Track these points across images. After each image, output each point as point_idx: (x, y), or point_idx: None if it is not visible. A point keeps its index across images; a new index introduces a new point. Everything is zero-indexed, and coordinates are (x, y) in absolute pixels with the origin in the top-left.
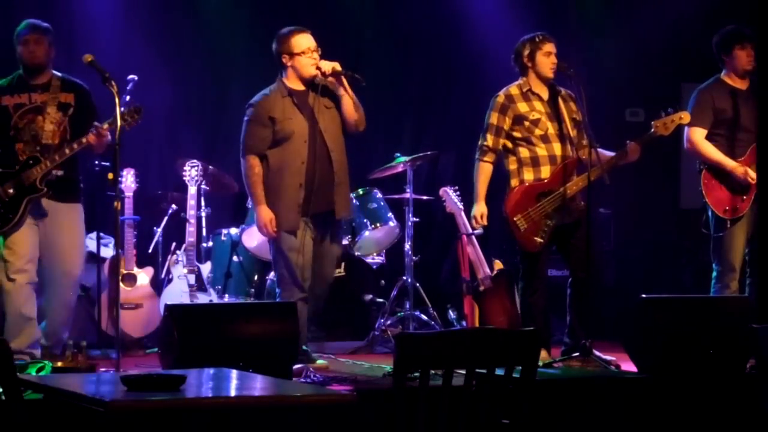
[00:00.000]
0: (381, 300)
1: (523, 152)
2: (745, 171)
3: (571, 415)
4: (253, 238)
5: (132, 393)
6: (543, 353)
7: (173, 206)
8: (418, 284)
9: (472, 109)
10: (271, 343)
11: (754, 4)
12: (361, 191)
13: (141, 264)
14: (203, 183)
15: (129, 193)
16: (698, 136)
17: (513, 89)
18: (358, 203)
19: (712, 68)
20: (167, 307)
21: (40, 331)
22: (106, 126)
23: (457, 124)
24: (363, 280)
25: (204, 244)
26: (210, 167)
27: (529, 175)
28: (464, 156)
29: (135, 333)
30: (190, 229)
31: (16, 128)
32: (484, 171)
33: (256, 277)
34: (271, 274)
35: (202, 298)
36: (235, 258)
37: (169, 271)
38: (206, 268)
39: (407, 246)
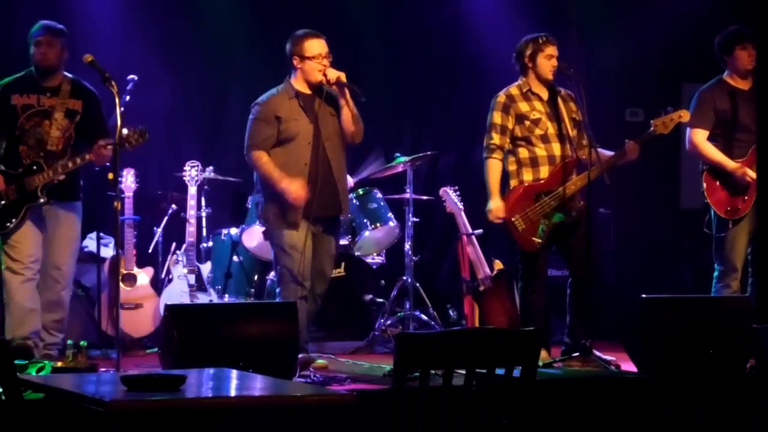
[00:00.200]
0: (381, 300)
1: (523, 152)
2: (744, 171)
3: (571, 415)
4: (253, 238)
5: (132, 393)
6: (543, 353)
7: (173, 206)
8: (418, 284)
9: (472, 109)
10: (271, 343)
11: (754, 4)
12: (361, 191)
13: (141, 264)
14: (203, 183)
15: (129, 193)
16: (699, 137)
17: (513, 89)
18: (358, 203)
19: (712, 68)
20: (167, 307)
21: (40, 326)
22: (110, 147)
23: (457, 124)
24: (363, 280)
25: (204, 244)
26: (210, 167)
27: (528, 176)
28: (464, 156)
29: (135, 333)
30: (190, 229)
31: (22, 129)
32: (495, 167)
33: (256, 277)
34: (271, 274)
35: (202, 298)
36: (235, 258)
37: (169, 271)
38: (206, 268)
39: (407, 246)
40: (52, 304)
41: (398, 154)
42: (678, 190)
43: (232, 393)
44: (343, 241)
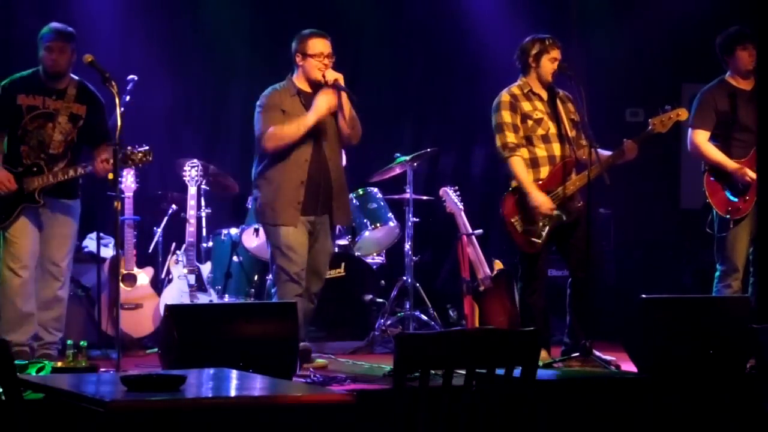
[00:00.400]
0: (381, 300)
1: (523, 153)
2: (744, 172)
3: (571, 415)
4: (253, 238)
5: (132, 393)
6: (543, 353)
7: (173, 206)
8: (418, 284)
9: (472, 109)
10: (271, 343)
11: (754, 5)
12: (361, 191)
13: (141, 264)
14: (203, 183)
15: (129, 193)
16: (701, 138)
17: (515, 89)
18: (358, 203)
19: (712, 68)
20: (167, 307)
21: (38, 326)
22: (111, 161)
23: (457, 123)
24: (363, 280)
25: (204, 244)
26: (210, 167)
27: (528, 176)
28: (464, 156)
29: (135, 333)
30: (190, 229)
31: (25, 130)
32: (520, 164)
33: (256, 277)
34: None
35: (202, 298)
36: (235, 258)
37: (169, 271)
38: (206, 268)
39: (407, 246)
40: (50, 301)
41: (398, 154)
42: (678, 190)
43: (232, 393)
44: (343, 241)
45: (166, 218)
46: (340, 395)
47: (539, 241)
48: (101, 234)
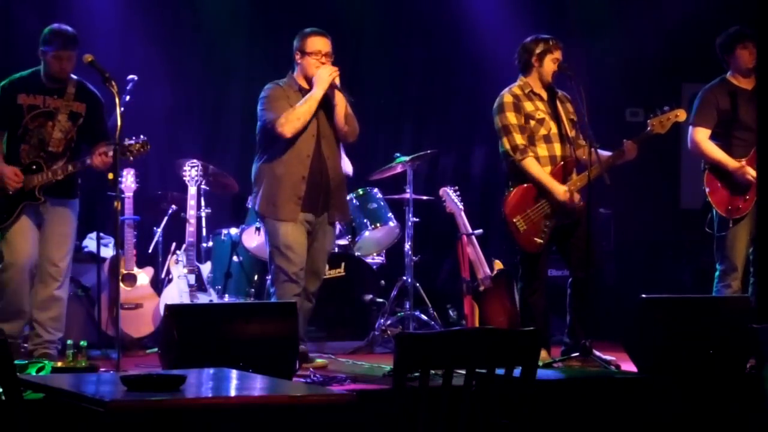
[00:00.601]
0: (381, 300)
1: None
2: (745, 170)
3: (571, 415)
4: (253, 238)
5: (132, 393)
6: (543, 353)
7: (173, 206)
8: (418, 284)
9: (472, 109)
10: (270, 343)
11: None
12: (360, 191)
13: (141, 264)
14: (203, 183)
15: (129, 193)
16: (701, 135)
17: (516, 89)
18: (358, 203)
19: (712, 68)
20: (167, 307)
21: (35, 325)
22: (111, 153)
23: (457, 124)
24: (363, 280)
25: (204, 244)
26: (210, 167)
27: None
28: (464, 156)
29: (135, 333)
30: (190, 229)
31: (26, 129)
32: (534, 163)
33: (256, 277)
34: None
35: (202, 298)
36: (235, 258)
37: (169, 271)
38: (206, 268)
39: (407, 246)
40: (48, 300)
41: (398, 154)
42: (678, 190)
43: (232, 393)
44: (343, 241)
45: (166, 218)
46: (340, 395)
47: (541, 240)
48: (101, 234)
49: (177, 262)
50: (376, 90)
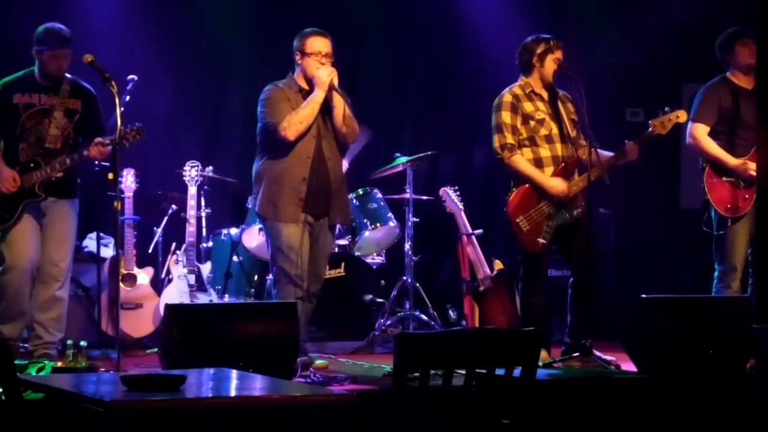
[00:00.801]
0: (381, 300)
1: (527, 153)
2: (747, 166)
3: (571, 415)
4: (253, 238)
5: (132, 393)
6: (543, 353)
7: (173, 206)
8: (418, 284)
9: (473, 110)
10: (271, 343)
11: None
12: (361, 191)
13: (141, 264)
14: (203, 183)
15: (129, 193)
16: (700, 131)
17: (516, 89)
18: (358, 203)
19: (712, 68)
20: (167, 307)
21: (35, 326)
22: (108, 142)
23: (457, 124)
24: (363, 280)
25: (204, 244)
26: (210, 167)
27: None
28: (464, 156)
29: (135, 333)
30: (190, 229)
31: (23, 128)
32: (522, 160)
33: (256, 277)
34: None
35: (202, 298)
36: (235, 258)
37: (169, 271)
38: (206, 268)
39: (407, 246)
40: (50, 301)
41: (398, 154)
42: (678, 190)
43: (232, 393)
44: (343, 241)
45: (166, 218)
46: (340, 395)
47: (544, 241)
48: (101, 234)
49: (177, 262)
50: (376, 90)
